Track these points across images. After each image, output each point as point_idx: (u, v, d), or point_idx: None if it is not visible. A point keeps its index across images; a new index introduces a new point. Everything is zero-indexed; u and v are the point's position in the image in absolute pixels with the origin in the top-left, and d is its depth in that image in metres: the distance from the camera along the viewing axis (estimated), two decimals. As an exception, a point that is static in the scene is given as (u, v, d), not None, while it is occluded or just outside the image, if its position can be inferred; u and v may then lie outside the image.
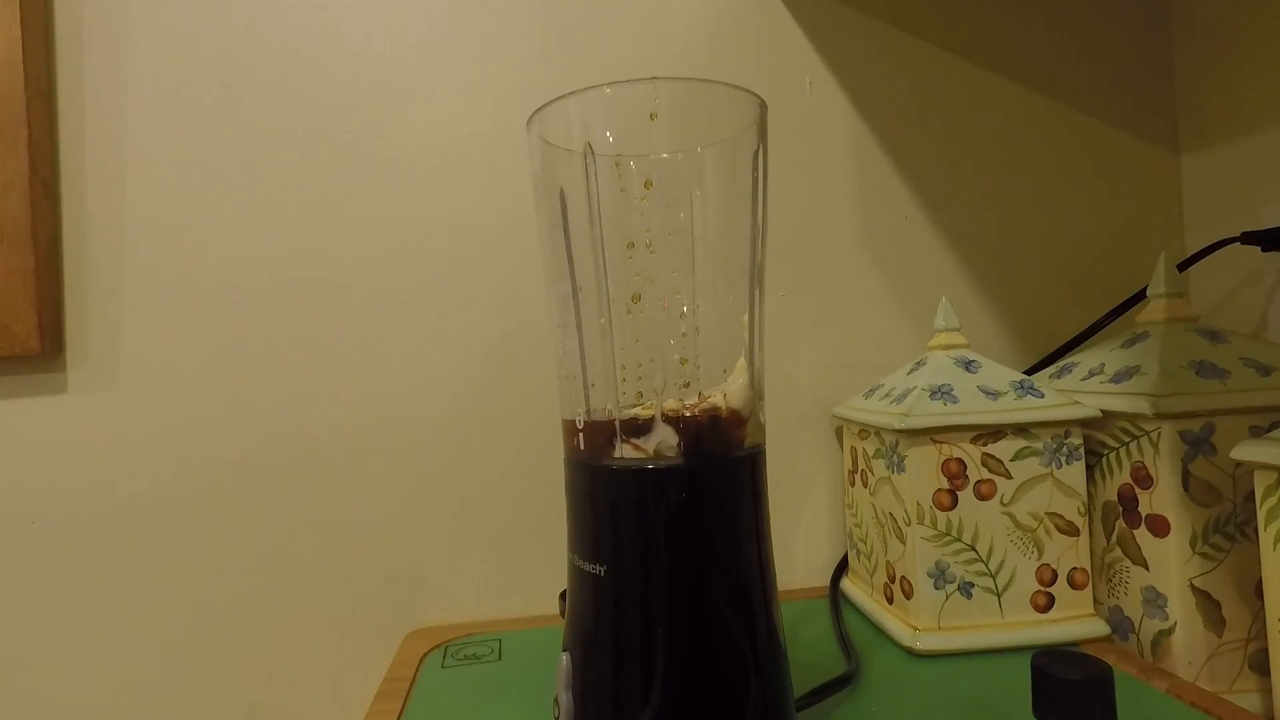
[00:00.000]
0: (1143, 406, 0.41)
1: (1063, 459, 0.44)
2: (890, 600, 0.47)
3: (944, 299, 0.50)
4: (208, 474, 0.52)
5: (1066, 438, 0.44)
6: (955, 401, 0.44)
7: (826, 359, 0.59)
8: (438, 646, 0.49)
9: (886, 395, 0.48)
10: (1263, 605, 0.38)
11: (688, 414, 0.28)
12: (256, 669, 0.52)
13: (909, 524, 0.44)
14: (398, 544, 0.54)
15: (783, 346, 0.58)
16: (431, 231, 0.55)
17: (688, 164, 0.30)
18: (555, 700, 0.29)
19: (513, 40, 0.56)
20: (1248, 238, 0.51)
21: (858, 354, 0.59)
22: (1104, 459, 0.45)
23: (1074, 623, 0.44)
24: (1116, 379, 0.44)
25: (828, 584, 0.55)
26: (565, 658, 0.29)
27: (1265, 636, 0.37)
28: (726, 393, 0.29)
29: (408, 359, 0.54)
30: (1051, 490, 0.44)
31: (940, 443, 0.44)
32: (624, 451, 0.28)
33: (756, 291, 0.30)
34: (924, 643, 0.43)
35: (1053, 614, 0.44)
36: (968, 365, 0.47)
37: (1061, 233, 0.62)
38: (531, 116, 0.30)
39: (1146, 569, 0.42)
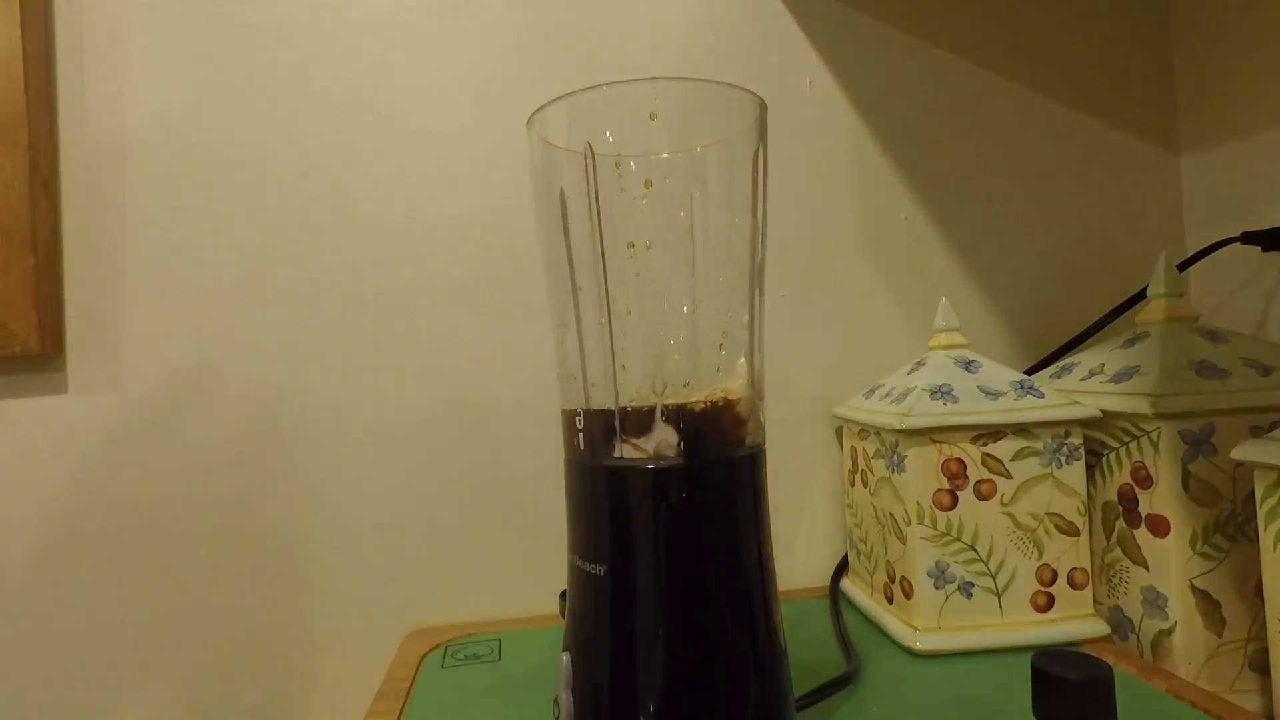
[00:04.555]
0: (1143, 406, 0.41)
1: (1063, 459, 0.44)
2: (890, 600, 0.47)
3: (944, 299, 0.50)
4: (207, 474, 0.52)
5: (1066, 438, 0.44)
6: (955, 401, 0.44)
7: (826, 359, 0.59)
8: (438, 646, 0.49)
9: (886, 395, 0.48)
10: (1263, 605, 0.38)
11: (687, 414, 0.28)
12: (256, 669, 0.52)
13: (909, 524, 0.44)
14: (398, 544, 0.54)
15: (783, 346, 0.58)
16: (431, 231, 0.55)
17: (688, 164, 0.30)
18: (555, 700, 0.29)
19: (513, 40, 0.56)
20: (1248, 238, 0.51)
21: (858, 354, 0.59)
22: (1104, 459, 0.45)
23: (1074, 623, 0.44)
24: (1116, 379, 0.44)
25: (828, 584, 0.55)
26: (565, 658, 0.29)
27: (1265, 636, 0.37)
28: (727, 393, 0.29)
29: (408, 358, 0.54)
30: (1051, 490, 0.44)
31: (940, 443, 0.44)
32: (624, 451, 0.28)
33: (756, 291, 0.30)
34: (924, 643, 0.43)
35: (1053, 614, 0.44)
36: (968, 365, 0.47)
37: (1062, 233, 0.62)
38: (531, 116, 0.30)
39: (1146, 569, 0.42)
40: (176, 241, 0.52)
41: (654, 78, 0.28)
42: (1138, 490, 0.42)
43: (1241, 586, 0.40)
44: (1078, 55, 0.62)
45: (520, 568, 0.55)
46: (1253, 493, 0.37)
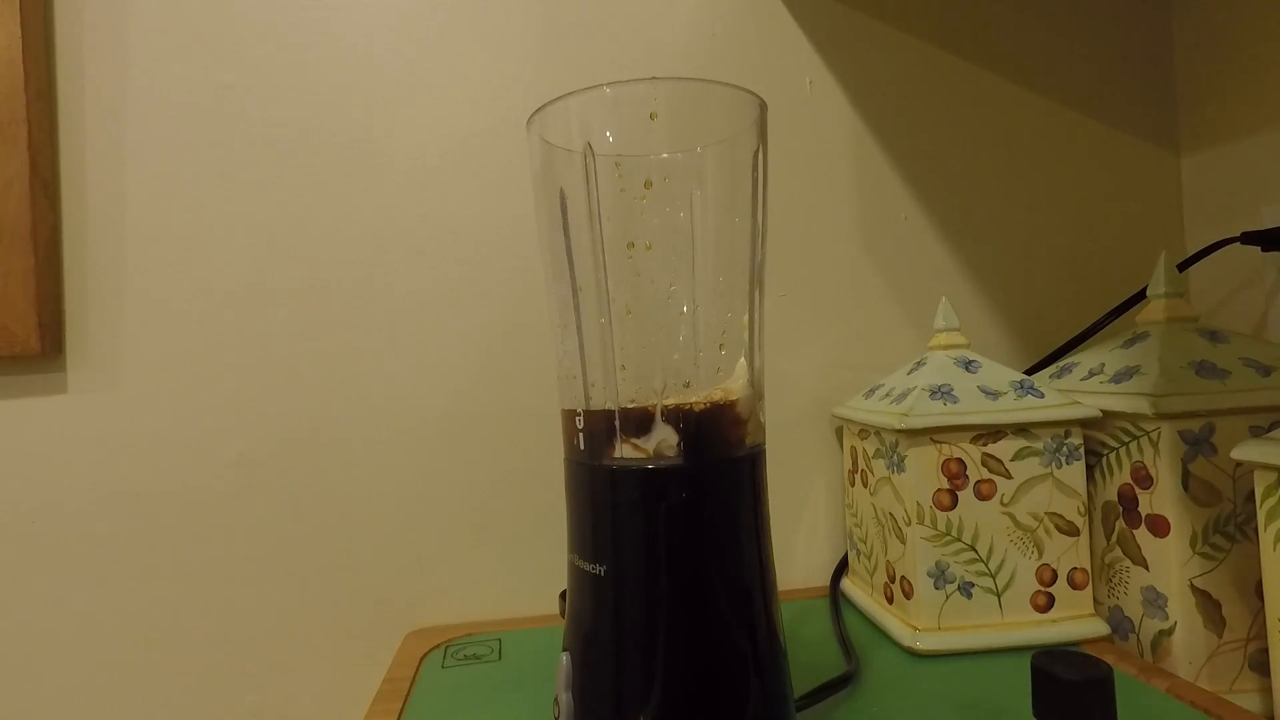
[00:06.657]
0: (1143, 406, 0.41)
1: (1063, 459, 0.44)
2: (890, 600, 0.47)
3: (944, 299, 0.50)
4: (208, 474, 0.52)
5: (1066, 438, 0.44)
6: (955, 401, 0.44)
7: (826, 359, 0.59)
8: (438, 646, 0.49)
9: (886, 395, 0.48)
10: (1263, 605, 0.38)
11: (687, 414, 0.28)
12: (256, 669, 0.52)
13: (909, 524, 0.44)
14: (398, 544, 0.54)
15: (783, 346, 0.58)
16: (432, 231, 0.55)
17: (688, 164, 0.30)
18: (555, 700, 0.29)
19: (513, 40, 0.56)
20: (1248, 238, 0.51)
21: (858, 354, 0.59)
22: (1104, 459, 0.45)
23: (1074, 623, 0.44)
24: (1116, 379, 0.44)
25: (828, 584, 0.55)
26: (565, 658, 0.29)
27: (1265, 636, 0.37)
28: (726, 393, 0.29)
29: (408, 359, 0.54)
30: (1051, 490, 0.44)
31: (940, 443, 0.44)
32: (624, 451, 0.28)
33: (756, 291, 0.30)
34: (924, 643, 0.43)
35: (1053, 614, 0.44)
36: (968, 365, 0.47)
37: (1061, 232, 0.62)
38: (531, 116, 0.30)
39: (1146, 569, 0.42)
40: (176, 241, 0.52)
41: (654, 78, 0.28)
42: (1138, 490, 0.42)
43: (1241, 586, 0.40)
44: (1078, 55, 0.62)
45: (520, 568, 0.55)
46: (1253, 493, 0.37)
